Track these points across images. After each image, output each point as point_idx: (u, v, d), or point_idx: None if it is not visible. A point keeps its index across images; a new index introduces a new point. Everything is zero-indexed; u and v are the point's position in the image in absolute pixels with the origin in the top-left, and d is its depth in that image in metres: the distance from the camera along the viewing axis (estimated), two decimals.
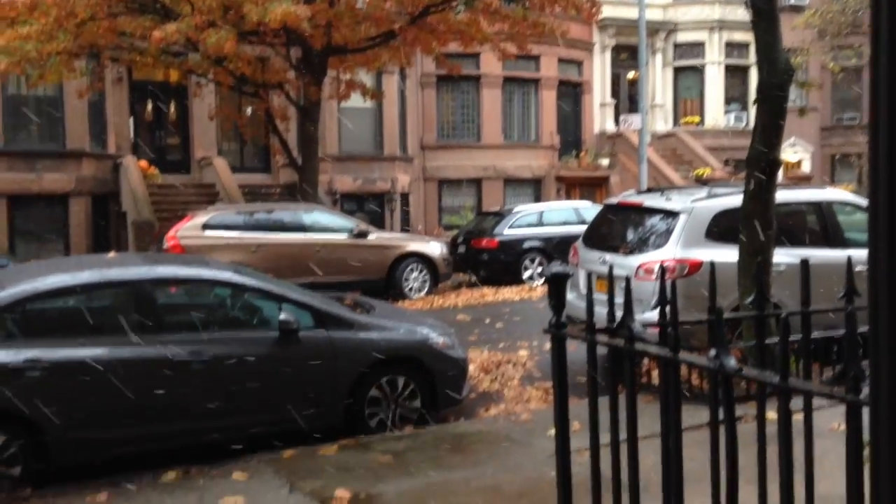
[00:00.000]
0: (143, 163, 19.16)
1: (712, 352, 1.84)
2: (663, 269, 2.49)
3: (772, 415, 2.06)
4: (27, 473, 5.52)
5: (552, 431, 6.05)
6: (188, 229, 13.83)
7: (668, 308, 2.25)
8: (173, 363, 5.93)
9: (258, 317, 6.71)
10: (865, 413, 1.65)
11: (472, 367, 8.39)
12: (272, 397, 6.23)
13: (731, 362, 1.77)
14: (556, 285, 2.37)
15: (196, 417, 6.03)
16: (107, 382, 5.74)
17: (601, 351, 2.49)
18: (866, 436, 1.67)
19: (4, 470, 5.46)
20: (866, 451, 1.63)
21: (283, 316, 6.33)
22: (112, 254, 8.20)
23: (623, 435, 2.27)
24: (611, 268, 2.35)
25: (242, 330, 6.57)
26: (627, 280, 2.21)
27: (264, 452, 5.96)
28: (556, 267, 2.35)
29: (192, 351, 6.02)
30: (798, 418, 1.93)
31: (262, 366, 6.22)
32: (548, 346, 9.82)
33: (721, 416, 2.01)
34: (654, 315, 2.61)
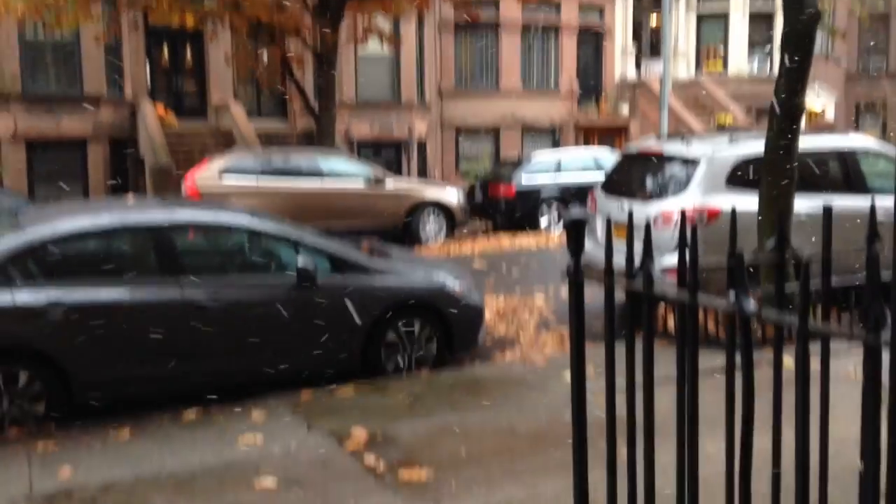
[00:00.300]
0: (160, 108, 19.13)
1: (731, 294, 1.83)
2: (683, 214, 2.46)
3: (787, 361, 2.06)
4: (51, 410, 5.65)
5: (567, 375, 6.11)
6: (205, 175, 13.87)
7: (686, 253, 2.24)
8: (192, 306, 6.01)
9: (276, 262, 6.76)
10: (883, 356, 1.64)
11: (488, 313, 8.43)
12: (290, 341, 6.30)
13: (751, 305, 1.76)
14: (575, 230, 2.36)
15: (214, 359, 6.13)
16: (126, 324, 5.83)
17: (618, 298, 2.49)
18: (883, 380, 1.67)
19: (28, 406, 5.60)
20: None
21: (300, 261, 6.37)
22: (130, 198, 8.23)
23: (639, 379, 2.28)
24: (630, 213, 2.33)
25: (260, 275, 6.62)
26: (647, 225, 2.19)
27: (282, 393, 6.06)
28: (575, 212, 2.34)
29: (211, 295, 6.09)
30: (814, 366, 1.92)
31: (279, 310, 6.28)
32: (564, 292, 9.85)
33: (738, 359, 2.01)
34: (672, 260, 2.60)
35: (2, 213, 10.84)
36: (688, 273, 2.06)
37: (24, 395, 5.59)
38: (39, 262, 5.91)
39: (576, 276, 2.30)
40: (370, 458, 4.79)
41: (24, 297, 5.64)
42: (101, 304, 5.81)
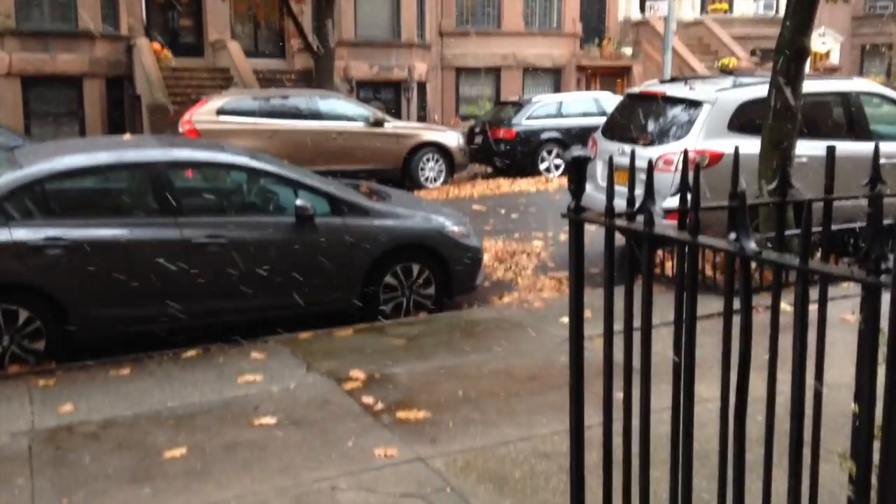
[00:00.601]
0: (156, 45, 18.83)
1: (732, 235, 1.82)
2: (686, 155, 2.43)
3: (785, 306, 2.06)
4: (50, 348, 5.69)
5: (564, 319, 6.13)
6: (203, 114, 13.72)
7: (688, 194, 2.22)
8: (191, 245, 6.00)
9: (274, 202, 6.72)
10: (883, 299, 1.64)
11: (486, 257, 8.43)
12: (288, 281, 6.30)
13: (752, 245, 1.75)
14: (577, 169, 2.33)
15: (214, 299, 6.14)
16: (125, 262, 5.83)
17: (617, 244, 2.48)
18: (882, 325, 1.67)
19: (29, 344, 5.63)
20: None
21: (299, 202, 6.34)
22: (128, 136, 8.16)
23: (636, 323, 2.27)
24: (632, 154, 2.30)
25: (259, 215, 6.59)
26: (649, 164, 2.16)
27: (281, 334, 6.09)
28: (577, 151, 2.30)
29: (210, 234, 6.07)
30: (811, 311, 1.92)
31: (278, 250, 6.28)
32: (562, 236, 9.87)
33: (737, 302, 2.01)
34: (673, 203, 2.57)
35: None
36: (689, 213, 2.04)
37: (23, 332, 5.62)
38: (37, 200, 5.87)
39: (576, 215, 2.28)
40: (368, 398, 4.83)
41: (22, 234, 5.62)
42: (98, 241, 5.80)
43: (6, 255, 5.57)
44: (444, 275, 6.88)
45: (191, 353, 5.75)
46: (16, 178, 5.80)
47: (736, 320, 2.00)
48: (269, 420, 4.54)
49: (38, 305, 5.64)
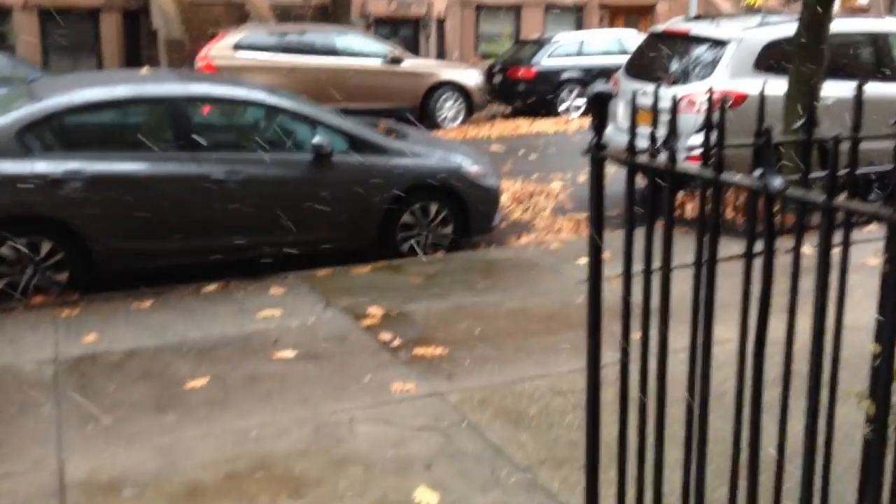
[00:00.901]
0: None
1: (757, 171, 1.79)
2: (711, 93, 2.39)
3: (806, 249, 2.04)
4: (74, 280, 5.77)
5: (581, 260, 6.14)
6: (220, 49, 13.60)
7: (712, 132, 2.19)
8: (209, 180, 6.01)
9: (292, 139, 6.69)
10: None
11: (504, 197, 8.41)
12: (306, 218, 6.32)
13: (777, 182, 1.73)
14: (599, 105, 2.29)
15: (232, 234, 6.18)
16: (145, 196, 5.86)
17: (637, 188, 2.46)
18: None
19: (52, 276, 5.72)
20: None
21: (316, 139, 6.32)
22: (145, 70, 8.11)
23: (655, 265, 2.27)
24: (655, 94, 2.26)
25: (276, 152, 6.57)
26: (673, 101, 2.12)
27: (300, 271, 6.14)
28: (600, 86, 2.26)
29: (228, 170, 6.08)
30: (833, 253, 1.90)
31: (295, 187, 6.28)
32: (581, 178, 9.80)
33: (758, 245, 1.99)
34: (697, 139, 2.54)
35: (16, 82, 10.74)
36: (712, 151, 2.01)
37: (46, 264, 5.70)
38: (56, 133, 5.89)
39: (598, 152, 2.25)
40: (386, 335, 4.89)
41: (43, 166, 5.66)
42: (118, 175, 5.83)
43: (27, 188, 5.61)
44: (462, 214, 6.87)
45: (211, 287, 5.82)
46: (35, 111, 5.81)
47: (757, 264, 1.99)
48: (289, 354, 4.61)
49: (60, 238, 5.71)
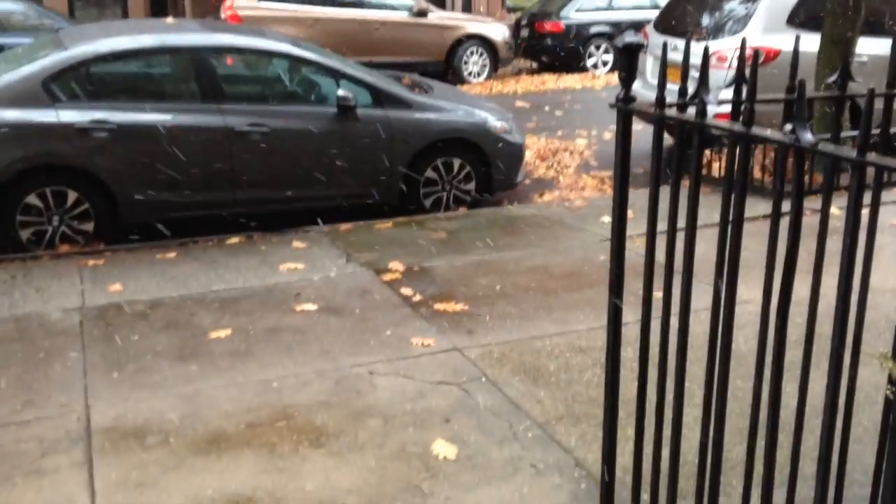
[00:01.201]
0: None
1: (788, 126, 1.75)
2: (743, 44, 2.32)
3: (834, 210, 2.00)
4: (99, 230, 5.83)
5: (605, 218, 6.10)
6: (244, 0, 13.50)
7: (743, 87, 2.13)
8: (233, 133, 6.01)
9: (316, 92, 6.67)
10: None
11: (528, 154, 8.34)
12: (329, 172, 6.31)
13: (808, 136, 1.68)
14: (628, 56, 2.24)
15: (255, 187, 6.19)
16: (169, 147, 5.87)
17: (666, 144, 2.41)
18: None
19: (78, 225, 5.77)
20: None
21: (341, 92, 6.28)
22: (170, 19, 8.07)
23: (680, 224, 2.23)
24: (686, 49, 2.20)
25: (300, 104, 6.55)
26: (705, 54, 2.06)
27: (322, 225, 6.16)
28: (629, 37, 2.21)
29: (252, 122, 6.07)
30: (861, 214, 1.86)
31: (319, 141, 6.26)
32: (607, 135, 9.69)
33: (785, 205, 1.95)
34: (727, 94, 2.48)
35: (43, 31, 10.75)
36: (743, 105, 1.96)
37: (72, 213, 5.75)
38: (82, 82, 5.90)
39: (625, 105, 2.21)
40: (406, 290, 4.90)
41: (69, 115, 5.67)
42: (143, 125, 5.84)
43: (54, 137, 5.64)
44: (485, 171, 6.83)
45: (234, 240, 5.85)
46: (61, 60, 5.81)
47: (784, 224, 1.95)
48: (310, 307, 4.64)
49: (86, 187, 5.75)
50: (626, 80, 2.21)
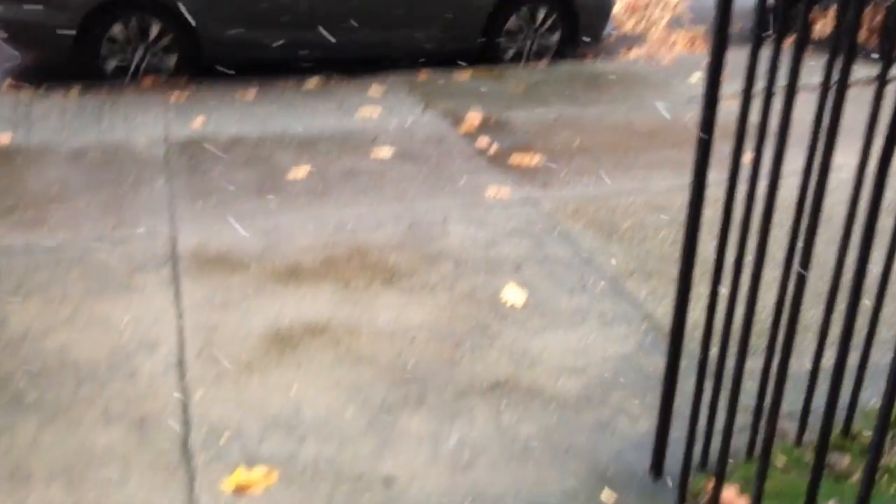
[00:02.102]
0: None
1: None
2: None
3: None
4: (182, 63, 5.87)
5: (693, 77, 5.86)
6: None
7: None
8: None
9: None
10: None
11: (617, 6, 7.96)
12: (408, 19, 6.16)
13: None
14: None
15: (335, 31, 6.10)
16: None
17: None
18: None
19: (162, 57, 5.83)
20: None
21: None
22: None
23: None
24: None
25: None
26: None
27: (400, 73, 6.07)
28: None
29: None
30: None
31: None
32: None
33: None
34: None
35: None
36: None
37: (156, 46, 5.79)
38: None
39: None
40: (483, 141, 4.86)
41: None
42: None
43: None
44: (571, 22, 6.56)
45: (312, 83, 5.84)
46: None
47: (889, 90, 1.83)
48: (386, 152, 4.66)
49: (169, 21, 5.75)
50: None
